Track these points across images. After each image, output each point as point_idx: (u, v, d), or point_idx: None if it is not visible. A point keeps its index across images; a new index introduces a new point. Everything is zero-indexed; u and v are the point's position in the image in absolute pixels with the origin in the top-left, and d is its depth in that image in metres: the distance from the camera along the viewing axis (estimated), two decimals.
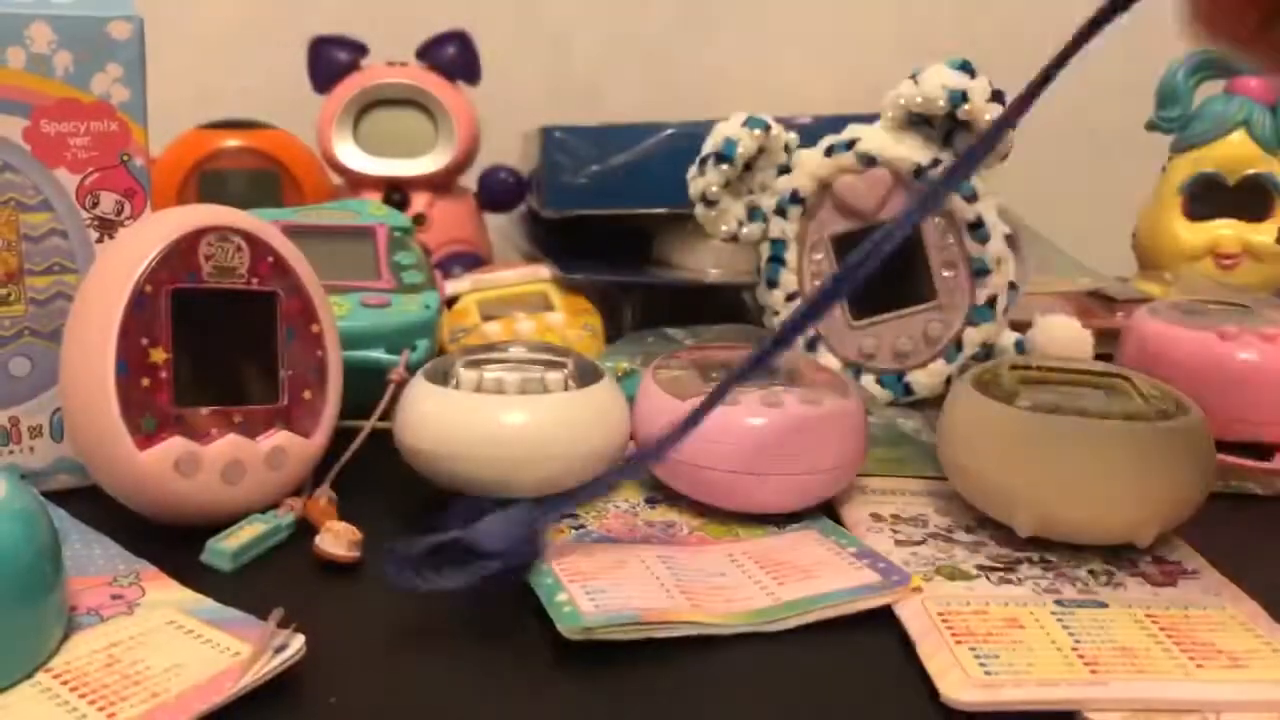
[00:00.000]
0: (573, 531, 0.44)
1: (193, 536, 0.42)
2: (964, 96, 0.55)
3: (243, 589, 0.40)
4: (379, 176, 0.81)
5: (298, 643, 0.34)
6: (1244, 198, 0.79)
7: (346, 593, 0.41)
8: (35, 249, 0.45)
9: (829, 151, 0.59)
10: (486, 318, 0.67)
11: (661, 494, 0.48)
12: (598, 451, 0.45)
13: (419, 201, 0.81)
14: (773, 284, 0.61)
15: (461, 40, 0.82)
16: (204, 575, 0.41)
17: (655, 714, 0.34)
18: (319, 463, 0.47)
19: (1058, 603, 0.39)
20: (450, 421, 0.44)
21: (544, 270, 0.72)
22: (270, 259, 0.45)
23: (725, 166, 0.59)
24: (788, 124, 0.62)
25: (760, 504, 0.46)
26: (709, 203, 0.61)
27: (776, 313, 0.61)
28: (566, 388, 0.46)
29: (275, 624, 0.34)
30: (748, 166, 0.60)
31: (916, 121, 0.58)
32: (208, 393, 0.43)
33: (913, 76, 0.56)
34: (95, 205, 0.46)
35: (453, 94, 0.81)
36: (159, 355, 0.42)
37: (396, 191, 0.81)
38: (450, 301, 0.69)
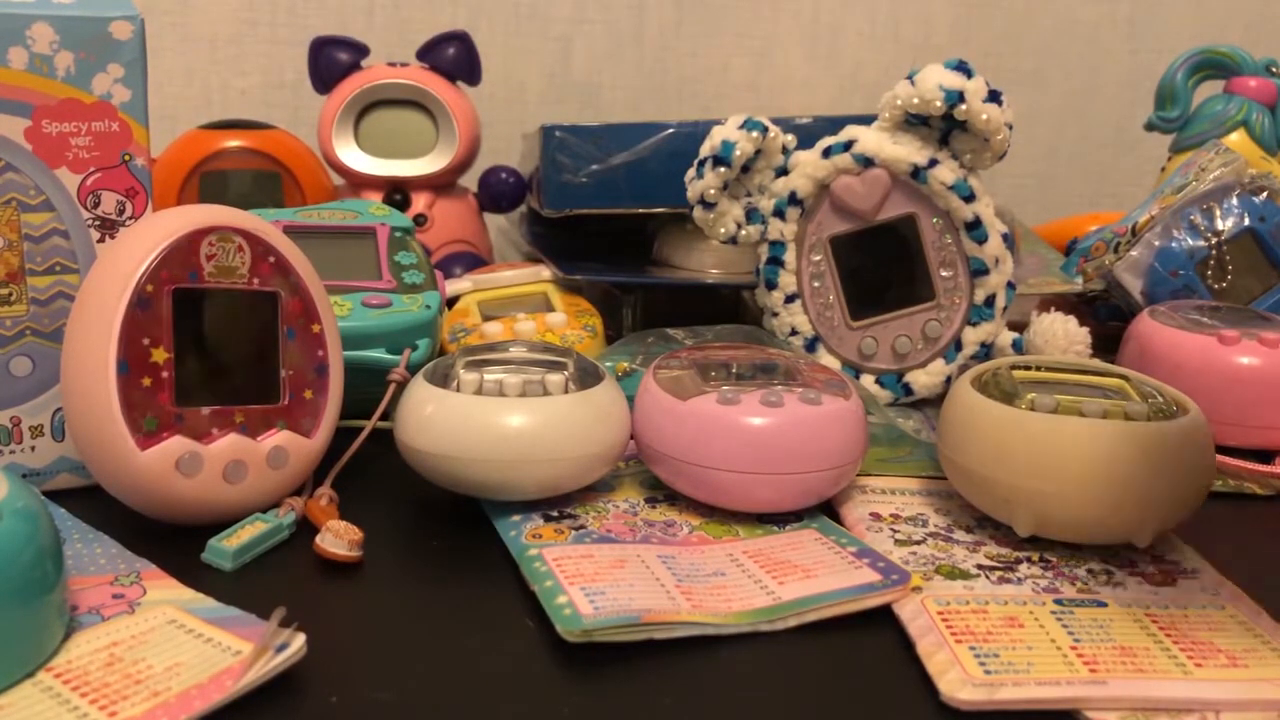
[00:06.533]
0: (572, 532, 0.44)
1: (193, 536, 0.42)
2: (960, 96, 0.55)
3: (243, 588, 0.40)
4: (380, 176, 0.81)
5: (298, 642, 0.34)
6: None
7: (347, 592, 0.41)
8: (37, 248, 0.46)
9: (826, 153, 0.59)
10: (487, 318, 0.67)
11: (661, 494, 0.48)
12: (598, 454, 0.45)
13: (420, 201, 0.81)
14: (771, 285, 0.61)
15: (462, 41, 0.82)
16: (205, 574, 0.41)
17: (655, 714, 0.34)
18: (320, 462, 0.47)
19: (1057, 602, 0.40)
20: (451, 425, 0.44)
21: (544, 270, 0.72)
22: (271, 259, 0.45)
23: (723, 169, 0.59)
24: (785, 125, 0.62)
25: (760, 504, 0.46)
26: (707, 205, 0.61)
27: (775, 314, 0.61)
28: (567, 390, 0.46)
29: (276, 623, 0.34)
30: (745, 169, 0.60)
31: (913, 122, 0.58)
32: (209, 392, 0.43)
33: (909, 77, 0.56)
34: (97, 205, 0.46)
35: (453, 94, 0.82)
36: (160, 355, 0.42)
37: (397, 192, 0.81)
38: (450, 301, 0.69)
